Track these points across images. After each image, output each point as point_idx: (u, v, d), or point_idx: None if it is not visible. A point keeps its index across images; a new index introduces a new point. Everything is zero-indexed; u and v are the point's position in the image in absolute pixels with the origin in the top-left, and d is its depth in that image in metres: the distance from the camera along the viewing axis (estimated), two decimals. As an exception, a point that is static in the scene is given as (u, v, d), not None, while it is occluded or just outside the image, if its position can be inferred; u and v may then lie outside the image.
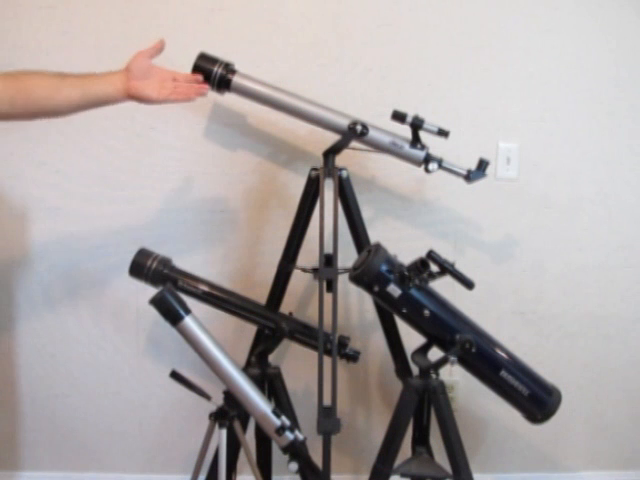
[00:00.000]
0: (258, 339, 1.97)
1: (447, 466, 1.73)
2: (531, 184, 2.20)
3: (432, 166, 1.85)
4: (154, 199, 2.14)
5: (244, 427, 1.79)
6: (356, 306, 2.21)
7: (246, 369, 1.84)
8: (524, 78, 2.16)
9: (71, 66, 2.04)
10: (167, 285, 1.61)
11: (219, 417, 1.63)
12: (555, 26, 2.15)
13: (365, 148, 1.88)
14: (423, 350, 1.75)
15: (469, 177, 1.87)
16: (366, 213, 1.97)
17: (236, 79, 1.83)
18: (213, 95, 1.90)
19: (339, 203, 1.80)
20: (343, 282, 1.84)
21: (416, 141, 1.84)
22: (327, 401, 1.64)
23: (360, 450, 2.28)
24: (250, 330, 1.99)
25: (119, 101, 1.51)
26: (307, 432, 1.75)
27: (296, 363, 2.17)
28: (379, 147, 1.87)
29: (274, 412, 1.64)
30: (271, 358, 1.90)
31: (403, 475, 1.73)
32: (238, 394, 1.62)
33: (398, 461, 1.73)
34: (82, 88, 1.44)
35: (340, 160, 1.87)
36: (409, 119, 1.80)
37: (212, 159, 2.13)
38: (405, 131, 1.84)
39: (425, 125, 1.80)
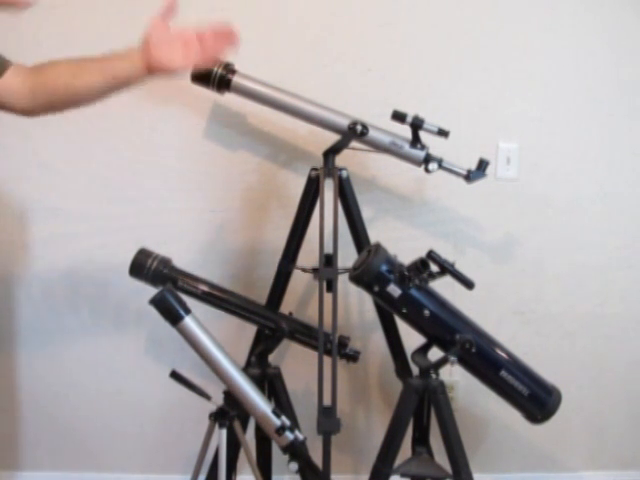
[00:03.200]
0: (258, 339, 1.97)
1: (447, 466, 1.73)
2: (531, 184, 2.20)
3: (432, 166, 1.85)
4: (154, 199, 2.14)
5: (244, 427, 1.79)
6: (356, 306, 2.21)
7: (246, 369, 1.84)
8: (524, 78, 2.16)
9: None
10: (167, 285, 1.61)
11: (219, 417, 1.63)
12: (555, 26, 2.15)
13: (365, 148, 1.88)
14: (423, 350, 1.75)
15: (469, 177, 1.87)
16: (366, 213, 1.97)
17: (236, 79, 1.83)
18: (213, 95, 1.91)
19: (339, 203, 1.80)
20: (343, 282, 1.84)
21: (416, 141, 1.84)
22: (327, 401, 1.64)
23: (360, 450, 2.27)
24: (250, 330, 1.99)
25: (142, 79, 1.30)
26: (307, 432, 1.75)
27: (296, 363, 2.17)
28: (379, 147, 1.87)
29: (274, 412, 1.64)
30: (271, 358, 1.90)
31: (403, 475, 1.73)
32: (238, 394, 1.62)
33: (398, 461, 1.73)
34: (101, 72, 1.29)
35: (340, 160, 1.87)
36: (409, 119, 1.80)
37: (212, 159, 2.13)
38: (405, 131, 1.84)
39: (425, 125, 1.80)
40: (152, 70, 1.28)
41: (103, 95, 1.32)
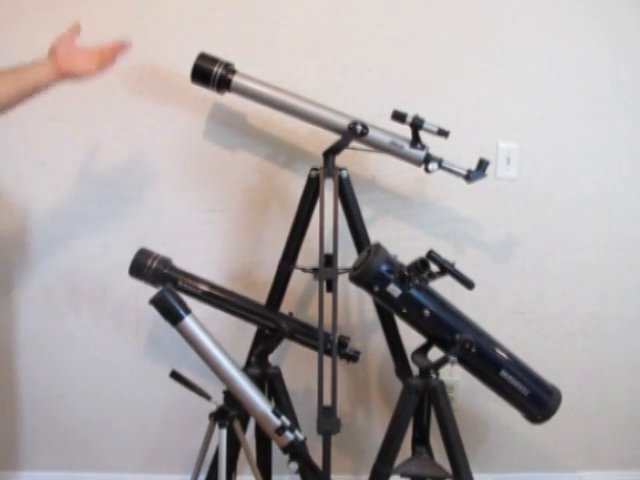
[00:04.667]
0: (258, 339, 1.97)
1: (447, 466, 1.73)
2: (531, 184, 2.20)
3: (432, 166, 1.85)
4: (154, 199, 2.14)
5: (244, 427, 1.79)
6: (356, 306, 2.21)
7: (246, 369, 1.84)
8: (524, 78, 2.16)
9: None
10: (167, 285, 1.61)
11: (219, 417, 1.63)
12: (555, 26, 2.15)
13: (365, 148, 1.88)
14: (423, 350, 1.75)
15: (469, 177, 1.87)
16: (366, 213, 1.97)
17: (236, 79, 1.83)
18: (213, 95, 1.91)
19: (339, 203, 1.80)
20: (343, 282, 1.84)
21: (416, 141, 1.84)
22: (327, 401, 1.64)
23: (360, 450, 2.27)
24: (250, 330, 1.98)
25: (53, 83, 1.52)
26: (307, 432, 1.75)
27: (296, 363, 2.17)
28: (379, 147, 1.87)
29: (274, 412, 1.63)
30: (271, 358, 1.90)
31: (403, 475, 1.73)
32: (238, 394, 1.62)
33: (398, 461, 1.73)
34: (15, 82, 1.48)
35: (340, 160, 1.87)
36: (409, 119, 1.80)
37: (212, 159, 2.13)
38: (405, 131, 1.84)
39: (425, 125, 1.80)
40: (62, 76, 1.53)
41: (16, 101, 1.49)
